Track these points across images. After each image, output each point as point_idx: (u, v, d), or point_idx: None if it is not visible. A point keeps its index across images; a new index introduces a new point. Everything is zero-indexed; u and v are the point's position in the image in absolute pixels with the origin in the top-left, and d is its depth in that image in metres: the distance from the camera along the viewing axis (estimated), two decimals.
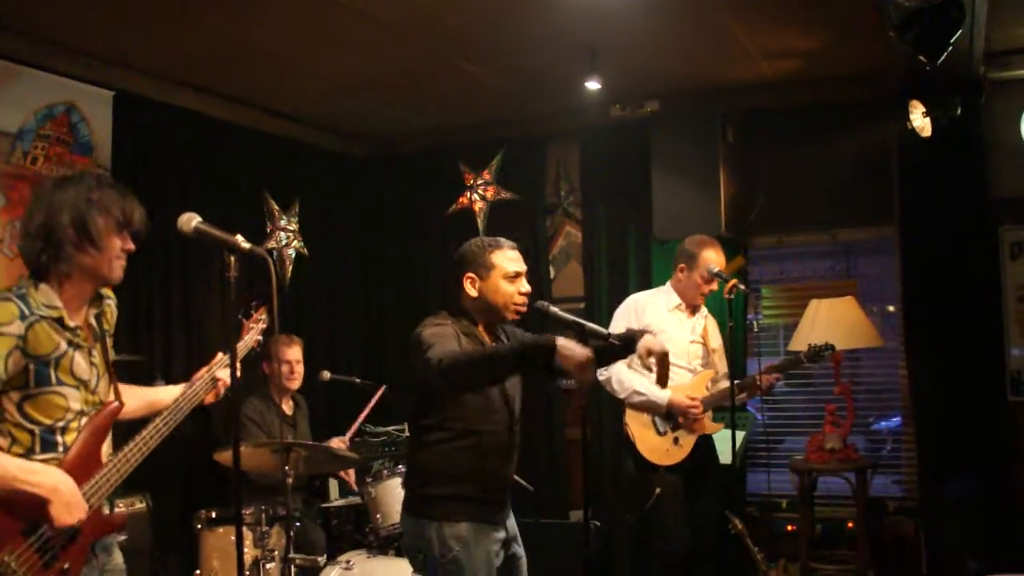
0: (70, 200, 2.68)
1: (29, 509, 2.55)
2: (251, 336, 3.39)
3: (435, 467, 3.28)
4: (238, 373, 2.99)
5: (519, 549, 3.49)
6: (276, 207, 6.41)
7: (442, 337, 3.14)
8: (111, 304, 2.95)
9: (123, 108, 5.22)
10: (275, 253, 6.36)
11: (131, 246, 2.78)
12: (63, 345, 2.68)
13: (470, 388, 3.21)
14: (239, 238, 2.75)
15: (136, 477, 4.75)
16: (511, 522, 3.46)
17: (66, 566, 2.62)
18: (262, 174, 6.33)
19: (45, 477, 2.58)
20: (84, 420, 2.74)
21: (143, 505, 4.86)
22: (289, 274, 6.50)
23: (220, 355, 3.13)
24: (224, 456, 4.25)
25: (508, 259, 3.36)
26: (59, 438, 2.69)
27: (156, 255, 5.42)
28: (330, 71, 5.50)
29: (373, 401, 5.69)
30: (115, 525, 2.85)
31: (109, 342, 2.91)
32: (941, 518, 5.37)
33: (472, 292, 3.35)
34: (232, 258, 2.74)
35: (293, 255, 6.54)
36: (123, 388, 2.95)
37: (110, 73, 5.16)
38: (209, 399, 3.10)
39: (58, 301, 2.68)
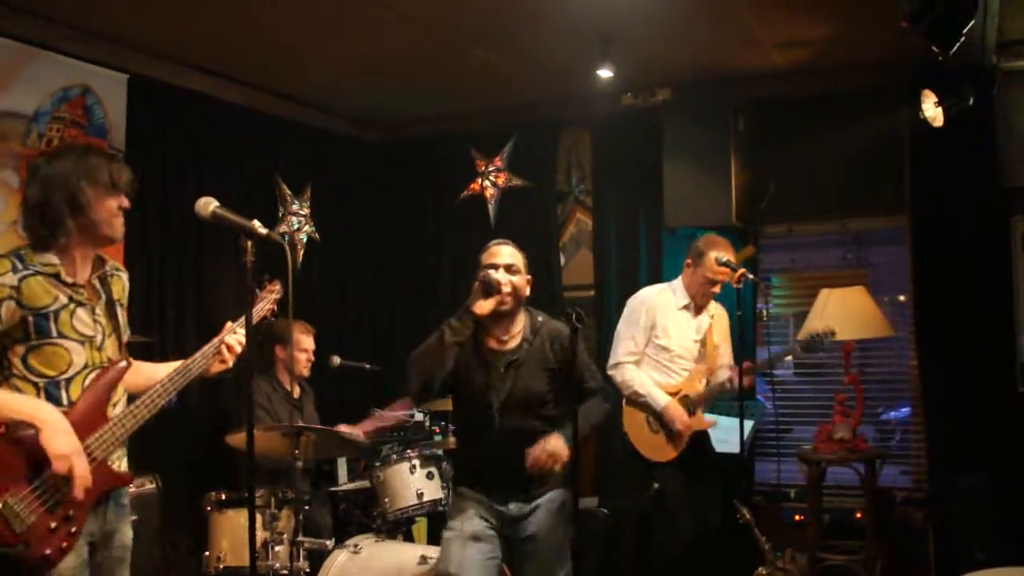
0: (60, 176, 2.81)
1: (29, 451, 2.62)
2: (263, 305, 3.38)
3: None
4: (244, 346, 3.09)
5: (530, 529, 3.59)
6: (288, 192, 6.43)
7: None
8: (121, 276, 3.06)
9: (137, 91, 5.25)
10: (286, 237, 6.37)
11: (126, 204, 2.92)
12: (62, 299, 2.80)
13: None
14: (256, 223, 2.79)
15: (146, 458, 4.85)
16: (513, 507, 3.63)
17: (70, 513, 2.69)
18: (274, 158, 6.34)
19: (33, 407, 2.67)
20: (91, 376, 2.83)
21: (153, 486, 4.89)
22: (300, 259, 6.52)
23: (230, 324, 3.17)
24: (236, 439, 4.27)
25: (485, 255, 3.67)
26: (63, 392, 2.79)
27: (169, 238, 5.46)
28: (343, 56, 5.50)
29: (397, 412, 5.72)
30: (123, 480, 2.94)
31: (120, 312, 3.00)
32: (950, 509, 5.35)
33: None
34: (249, 243, 2.77)
35: (304, 240, 6.56)
36: (134, 364, 3.02)
37: (125, 56, 5.18)
38: (216, 368, 3.12)
39: (55, 259, 2.81)
